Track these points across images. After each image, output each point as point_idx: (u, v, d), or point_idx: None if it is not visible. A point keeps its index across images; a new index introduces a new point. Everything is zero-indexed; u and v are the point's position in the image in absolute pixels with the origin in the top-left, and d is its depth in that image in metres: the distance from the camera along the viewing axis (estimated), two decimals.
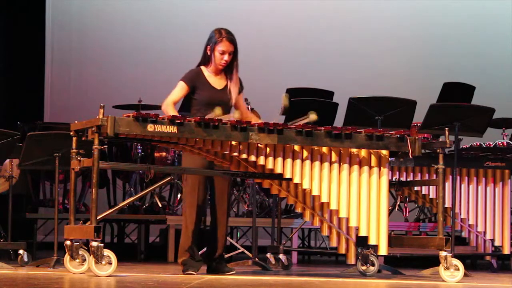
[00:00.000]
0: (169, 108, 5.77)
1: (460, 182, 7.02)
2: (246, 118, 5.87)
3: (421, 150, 5.91)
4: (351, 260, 5.94)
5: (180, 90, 5.89)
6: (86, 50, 11.03)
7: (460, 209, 7.00)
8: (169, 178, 6.51)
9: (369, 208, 5.78)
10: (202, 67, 5.97)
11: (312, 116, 5.94)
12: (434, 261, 6.17)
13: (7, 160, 6.99)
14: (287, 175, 5.64)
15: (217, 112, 5.67)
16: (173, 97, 5.86)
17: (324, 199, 5.72)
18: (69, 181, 6.10)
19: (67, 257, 5.42)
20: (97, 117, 5.22)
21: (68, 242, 5.40)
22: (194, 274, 5.71)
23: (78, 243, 5.43)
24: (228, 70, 5.96)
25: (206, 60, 5.96)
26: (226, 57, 5.89)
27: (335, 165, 5.74)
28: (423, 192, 6.97)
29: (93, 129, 5.26)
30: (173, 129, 5.35)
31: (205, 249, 6.10)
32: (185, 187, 5.92)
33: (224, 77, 5.98)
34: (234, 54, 5.93)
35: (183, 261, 5.83)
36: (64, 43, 11.06)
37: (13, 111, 10.23)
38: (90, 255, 5.23)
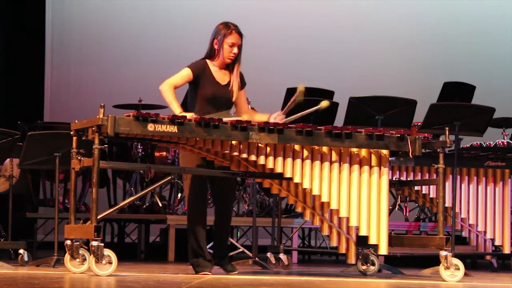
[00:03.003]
0: (167, 89, 5.66)
1: (460, 181, 7.01)
2: (246, 114, 5.87)
3: (421, 150, 5.91)
4: (352, 259, 5.94)
5: (184, 75, 5.78)
6: (86, 49, 11.03)
7: (460, 208, 7.00)
8: (169, 177, 6.49)
9: (370, 207, 5.78)
10: (208, 61, 5.90)
11: (324, 104, 5.94)
12: (434, 261, 6.17)
13: (7, 160, 6.99)
14: (288, 174, 5.64)
15: None
16: (175, 80, 5.74)
17: (324, 199, 5.71)
18: (69, 181, 6.10)
19: (67, 257, 5.42)
20: (97, 116, 5.22)
21: (68, 242, 5.39)
22: (209, 274, 5.68)
23: (78, 243, 5.42)
24: (232, 63, 5.90)
25: (212, 54, 5.88)
26: (235, 49, 5.83)
27: (336, 165, 5.73)
28: (423, 192, 6.97)
29: (93, 128, 5.26)
30: (173, 129, 5.34)
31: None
32: (186, 187, 5.91)
33: (227, 73, 5.93)
34: (240, 48, 5.89)
35: (193, 262, 5.80)
36: (64, 43, 11.06)
37: (13, 111, 10.23)
38: (91, 254, 5.22)
